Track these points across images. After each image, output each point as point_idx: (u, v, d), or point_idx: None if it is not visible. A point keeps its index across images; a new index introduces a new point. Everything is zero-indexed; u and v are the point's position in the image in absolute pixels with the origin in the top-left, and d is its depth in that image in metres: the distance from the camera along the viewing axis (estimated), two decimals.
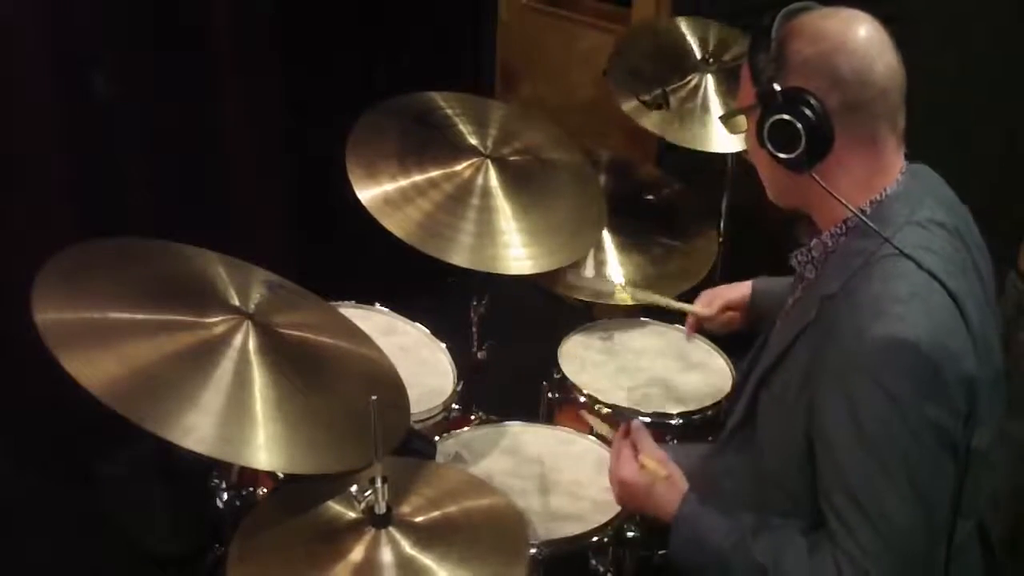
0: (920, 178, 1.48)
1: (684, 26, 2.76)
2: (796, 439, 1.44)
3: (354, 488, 1.46)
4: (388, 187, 2.11)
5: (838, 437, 1.37)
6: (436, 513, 1.53)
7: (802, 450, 1.44)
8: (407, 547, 1.45)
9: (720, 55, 2.67)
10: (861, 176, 1.44)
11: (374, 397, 1.40)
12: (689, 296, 2.22)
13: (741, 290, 2.08)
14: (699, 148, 2.52)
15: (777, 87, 1.41)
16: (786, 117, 1.41)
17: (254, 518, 1.54)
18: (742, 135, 1.55)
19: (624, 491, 1.65)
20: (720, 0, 2.93)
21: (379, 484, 1.44)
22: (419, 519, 1.51)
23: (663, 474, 1.60)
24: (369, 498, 1.45)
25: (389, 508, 1.47)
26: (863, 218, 1.42)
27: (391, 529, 1.46)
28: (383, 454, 1.44)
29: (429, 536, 1.48)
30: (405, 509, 1.51)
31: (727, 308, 2.10)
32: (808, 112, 1.39)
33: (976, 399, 1.37)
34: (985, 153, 2.56)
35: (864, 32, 1.41)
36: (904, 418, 1.33)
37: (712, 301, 2.12)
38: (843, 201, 1.43)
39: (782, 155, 1.44)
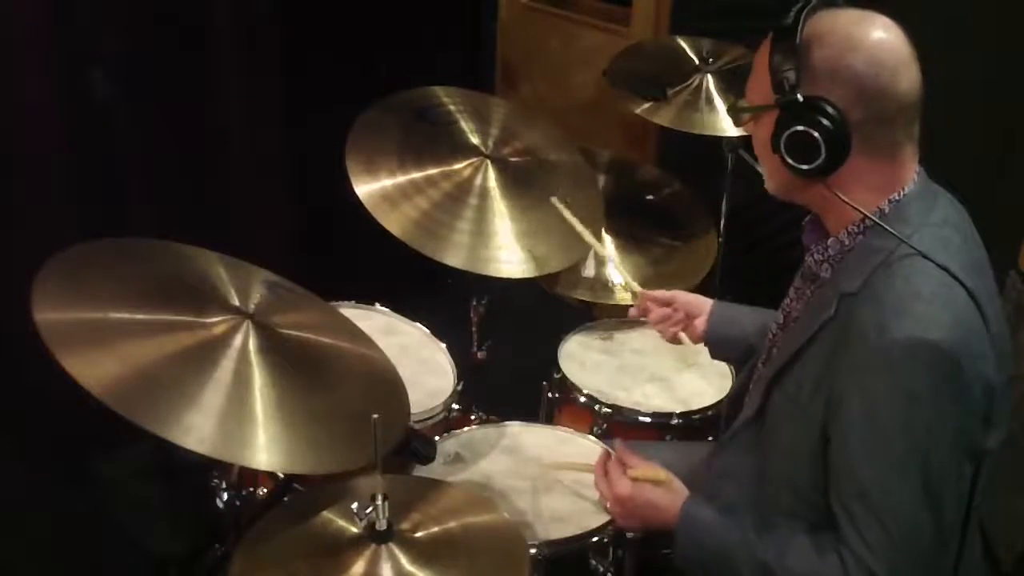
0: (929, 178, 1.47)
1: (681, 41, 2.79)
2: (809, 437, 1.43)
3: (355, 505, 1.46)
4: (386, 183, 2.11)
5: (854, 434, 1.36)
6: (436, 529, 1.52)
7: (814, 448, 1.43)
8: (407, 563, 1.45)
9: (719, 57, 2.68)
10: (876, 182, 1.42)
11: (376, 416, 1.39)
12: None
13: (700, 300, 1.98)
14: (705, 133, 2.53)
15: (800, 97, 1.36)
16: (806, 129, 1.36)
17: (256, 532, 1.54)
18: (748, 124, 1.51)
19: (624, 509, 1.65)
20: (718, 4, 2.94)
21: (380, 501, 1.44)
22: (419, 535, 1.50)
23: (661, 476, 1.60)
24: (370, 514, 1.45)
25: (390, 524, 1.46)
26: (882, 223, 1.40)
27: (391, 545, 1.46)
28: (383, 460, 1.44)
29: (429, 552, 1.47)
30: (405, 525, 1.51)
31: (684, 313, 1.97)
32: (829, 125, 1.35)
33: (993, 400, 1.37)
34: (985, 153, 2.56)
35: (893, 42, 1.37)
36: (923, 418, 1.32)
37: (665, 294, 2.00)
38: (860, 209, 1.41)
39: (798, 165, 1.40)
